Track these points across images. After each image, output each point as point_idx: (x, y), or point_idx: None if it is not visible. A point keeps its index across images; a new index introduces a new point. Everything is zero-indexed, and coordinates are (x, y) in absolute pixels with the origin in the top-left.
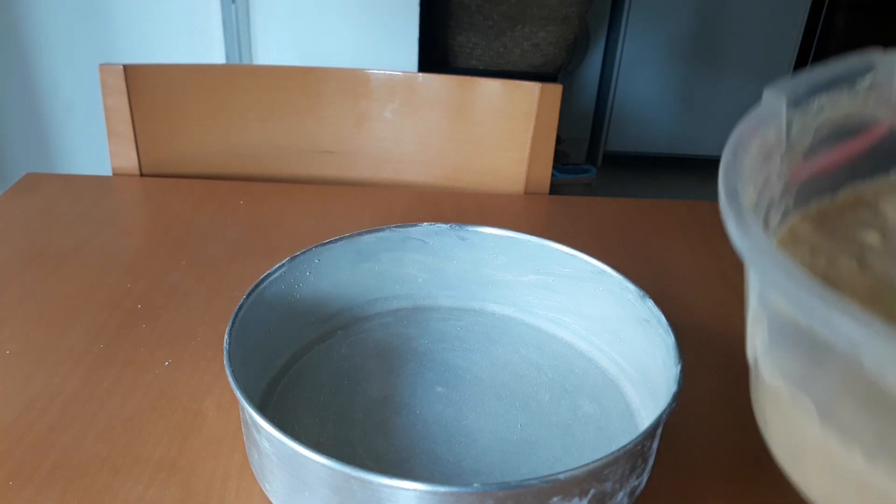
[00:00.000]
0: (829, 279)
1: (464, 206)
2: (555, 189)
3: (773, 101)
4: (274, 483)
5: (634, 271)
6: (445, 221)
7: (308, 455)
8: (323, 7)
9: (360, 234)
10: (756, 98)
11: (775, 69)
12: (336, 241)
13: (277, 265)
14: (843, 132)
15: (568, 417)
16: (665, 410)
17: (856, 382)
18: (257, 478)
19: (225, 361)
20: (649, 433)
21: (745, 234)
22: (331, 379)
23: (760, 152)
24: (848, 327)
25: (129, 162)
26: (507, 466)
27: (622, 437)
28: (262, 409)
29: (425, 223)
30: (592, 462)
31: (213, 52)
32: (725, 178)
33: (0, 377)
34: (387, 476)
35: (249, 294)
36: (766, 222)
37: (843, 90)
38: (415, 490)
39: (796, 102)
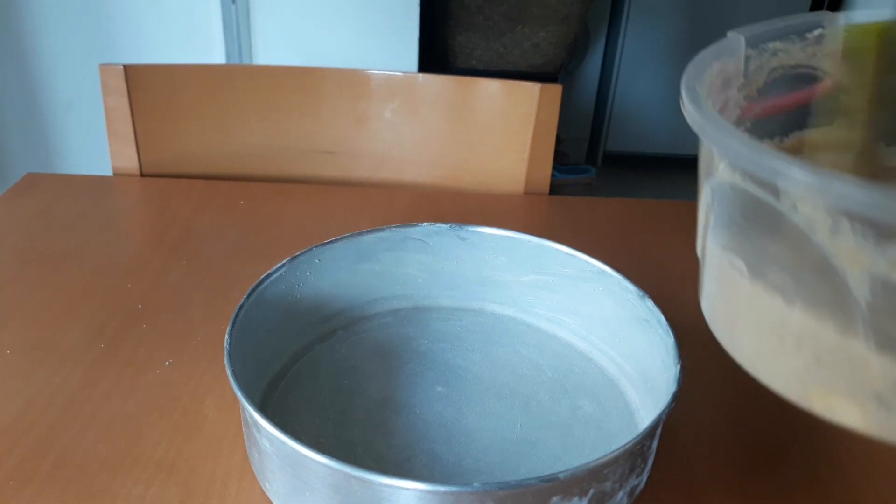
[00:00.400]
0: None
1: (464, 206)
2: (555, 189)
3: (734, 38)
4: (274, 483)
5: (634, 271)
6: (445, 221)
7: (308, 455)
8: (323, 7)
9: (360, 234)
10: None
11: None
12: (336, 241)
13: (277, 265)
14: (794, 80)
15: (568, 417)
16: (665, 410)
17: (776, 235)
18: (257, 478)
19: (225, 361)
20: (649, 433)
21: (698, 109)
22: (331, 379)
23: (720, 76)
24: (772, 162)
25: (129, 162)
26: (507, 466)
27: (622, 436)
28: (263, 409)
29: (425, 223)
30: (592, 462)
31: (213, 52)
32: (687, 81)
33: (0, 377)
34: (387, 476)
35: (250, 294)
36: None
37: (796, 40)
38: (415, 490)
39: (754, 43)
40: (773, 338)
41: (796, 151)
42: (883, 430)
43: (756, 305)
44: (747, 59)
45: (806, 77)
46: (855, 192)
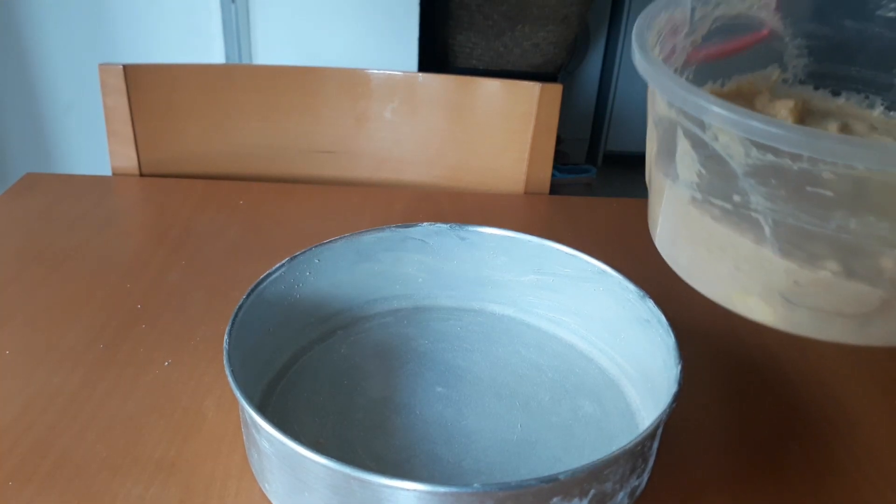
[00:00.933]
0: None
1: (464, 206)
2: (555, 189)
3: None
4: (274, 483)
5: (634, 271)
6: (445, 221)
7: (308, 455)
8: (323, 7)
9: (360, 234)
10: None
11: None
12: (336, 241)
13: (277, 265)
14: (734, 29)
15: (568, 417)
16: (665, 410)
17: (704, 162)
18: (257, 478)
19: (225, 361)
20: (650, 433)
21: (644, 56)
22: (331, 379)
23: (669, 24)
24: (698, 101)
25: (129, 162)
26: (507, 466)
27: (622, 437)
28: (262, 409)
29: (425, 223)
30: (592, 462)
31: (213, 52)
32: (637, 30)
33: (0, 377)
34: (387, 476)
35: (249, 294)
36: None
37: None
38: (415, 490)
39: None
40: (704, 250)
41: (734, 97)
42: (788, 325)
43: (690, 223)
44: (693, 9)
45: (745, 26)
46: (759, 126)
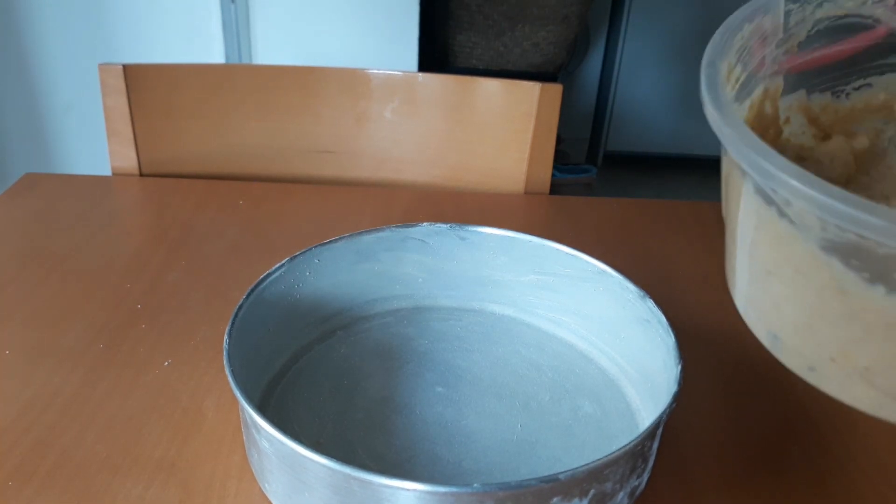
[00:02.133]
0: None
1: (464, 206)
2: (555, 189)
3: None
4: (274, 483)
5: (634, 271)
6: (445, 221)
7: (308, 455)
8: (323, 7)
9: (360, 234)
10: None
11: None
12: (336, 241)
13: (277, 265)
14: (840, 30)
15: (568, 417)
16: (665, 410)
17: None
18: (257, 478)
19: (224, 361)
20: (649, 433)
21: (714, 101)
22: (331, 379)
23: (756, 34)
24: (765, 165)
25: (129, 162)
26: (507, 466)
27: (622, 437)
28: (262, 409)
29: (425, 223)
30: (592, 462)
31: (213, 52)
32: (708, 61)
33: (0, 377)
34: (387, 476)
35: (249, 294)
36: (747, 93)
37: None
38: (415, 490)
39: None
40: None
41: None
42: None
43: (776, 234)
44: (787, 13)
45: (854, 26)
46: (837, 206)
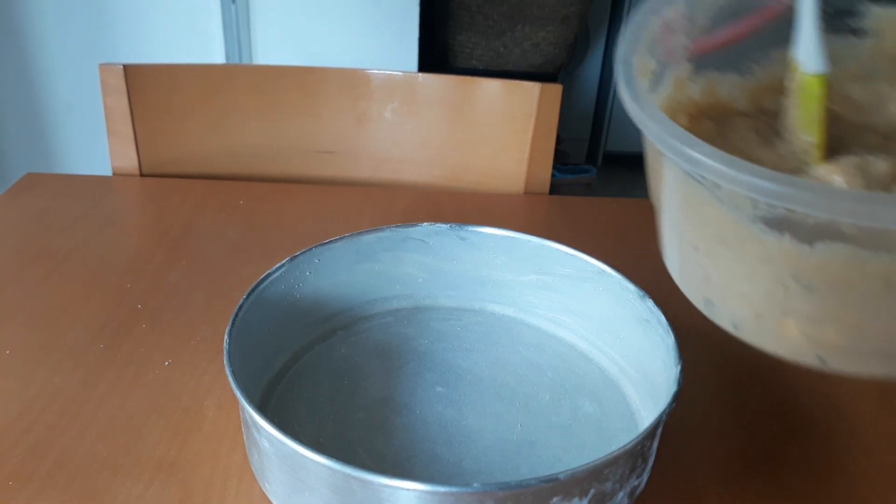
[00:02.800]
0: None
1: (464, 206)
2: (555, 189)
3: None
4: (274, 483)
5: (634, 271)
6: (445, 221)
7: (308, 455)
8: (323, 7)
9: (360, 234)
10: None
11: None
12: (336, 241)
13: (277, 265)
14: (740, 10)
15: (568, 417)
16: (665, 410)
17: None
18: (257, 478)
19: (225, 361)
20: (649, 433)
21: (632, 95)
22: (331, 379)
23: (661, 28)
24: (691, 154)
25: (129, 162)
26: (507, 466)
27: (622, 437)
28: (262, 409)
29: (425, 223)
30: (592, 462)
31: (213, 52)
32: (622, 57)
33: (0, 377)
34: (387, 476)
35: (249, 294)
36: (660, 83)
37: None
38: (415, 490)
39: None
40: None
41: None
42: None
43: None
44: (689, 1)
45: (751, 4)
46: (767, 186)
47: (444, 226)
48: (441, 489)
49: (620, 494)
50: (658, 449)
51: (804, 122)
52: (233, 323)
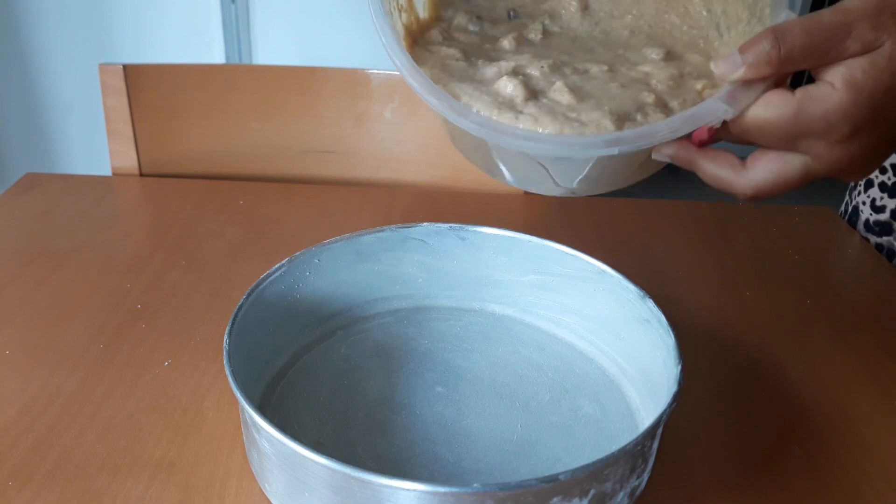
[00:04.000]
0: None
1: (464, 206)
2: None
3: None
4: (274, 483)
5: (634, 271)
6: (445, 221)
7: (308, 455)
8: (323, 7)
9: (360, 234)
10: None
11: None
12: (336, 241)
13: (277, 265)
14: None
15: (568, 417)
16: (665, 410)
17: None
18: (257, 478)
19: (225, 361)
20: (649, 433)
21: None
22: (331, 379)
23: None
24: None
25: (129, 162)
26: (507, 466)
27: (622, 437)
28: (262, 409)
29: (425, 223)
30: (592, 462)
31: (213, 52)
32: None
33: (0, 377)
34: (387, 476)
35: (249, 294)
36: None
37: None
38: (415, 490)
39: None
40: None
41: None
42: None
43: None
44: None
45: None
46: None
47: (444, 226)
48: (441, 489)
49: (620, 495)
50: (658, 449)
51: None
52: (232, 323)
